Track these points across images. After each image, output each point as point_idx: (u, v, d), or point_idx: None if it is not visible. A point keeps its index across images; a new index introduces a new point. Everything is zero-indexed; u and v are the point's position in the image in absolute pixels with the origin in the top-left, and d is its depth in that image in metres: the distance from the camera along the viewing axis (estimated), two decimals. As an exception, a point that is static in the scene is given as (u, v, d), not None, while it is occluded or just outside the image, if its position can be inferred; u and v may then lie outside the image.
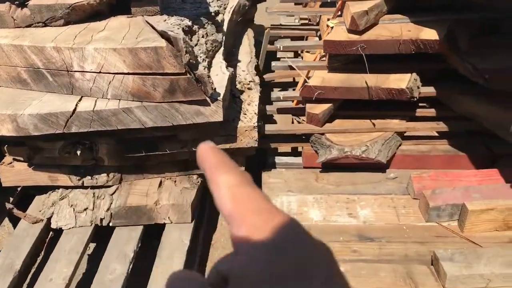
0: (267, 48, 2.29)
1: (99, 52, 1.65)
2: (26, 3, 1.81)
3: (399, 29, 1.98)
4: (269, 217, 0.33)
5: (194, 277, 0.35)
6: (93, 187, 2.09)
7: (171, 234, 1.94)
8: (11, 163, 2.03)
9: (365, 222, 1.88)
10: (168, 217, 1.97)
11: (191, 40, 1.89)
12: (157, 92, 1.68)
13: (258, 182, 2.16)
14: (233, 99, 2.12)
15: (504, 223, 1.74)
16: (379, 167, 2.11)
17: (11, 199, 2.15)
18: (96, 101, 1.74)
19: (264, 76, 2.48)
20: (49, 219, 2.03)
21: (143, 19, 1.84)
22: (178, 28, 1.77)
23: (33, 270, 1.89)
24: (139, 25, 1.80)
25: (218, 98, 1.72)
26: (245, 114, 2.01)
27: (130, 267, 1.82)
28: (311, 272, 0.29)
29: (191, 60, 1.63)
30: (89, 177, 2.05)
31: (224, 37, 2.24)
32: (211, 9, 2.29)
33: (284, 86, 2.61)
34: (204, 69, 1.83)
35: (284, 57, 2.69)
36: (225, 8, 2.48)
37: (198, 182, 2.09)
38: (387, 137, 2.10)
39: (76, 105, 1.72)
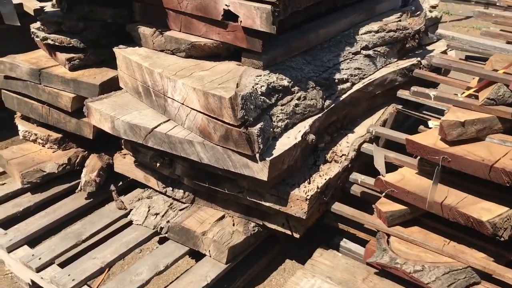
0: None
1: (185, 87, 1.88)
2: (164, 32, 2.16)
3: (501, 153, 1.67)
4: None
5: None
6: (173, 199, 2.34)
7: (203, 266, 2.05)
8: (125, 154, 2.43)
9: None
10: (209, 251, 2.09)
11: (279, 100, 1.96)
12: (215, 135, 1.83)
13: (309, 255, 2.10)
14: (311, 166, 2.11)
15: None
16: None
17: (120, 183, 2.57)
18: (175, 127, 1.97)
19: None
20: (131, 210, 2.37)
21: (243, 70, 2.00)
22: (262, 86, 1.87)
23: (90, 243, 2.23)
24: (235, 74, 1.97)
25: (267, 158, 1.76)
26: (309, 183, 1.98)
27: (153, 277, 2.00)
28: None
29: (245, 116, 1.72)
30: (171, 189, 2.31)
31: (338, 105, 2.23)
32: (338, 76, 2.29)
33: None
34: (277, 128, 1.90)
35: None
36: (361, 78, 2.44)
37: (254, 230, 2.14)
38: (455, 268, 1.79)
39: (159, 124, 1.99)
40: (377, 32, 2.59)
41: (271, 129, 1.86)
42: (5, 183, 2.55)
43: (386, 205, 1.94)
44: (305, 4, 2.14)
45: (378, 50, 2.60)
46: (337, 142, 2.28)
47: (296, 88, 2.05)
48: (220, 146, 1.84)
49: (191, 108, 1.90)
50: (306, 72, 2.16)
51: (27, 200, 2.43)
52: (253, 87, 1.82)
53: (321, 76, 2.21)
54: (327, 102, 2.18)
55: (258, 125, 1.76)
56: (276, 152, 1.81)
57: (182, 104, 1.93)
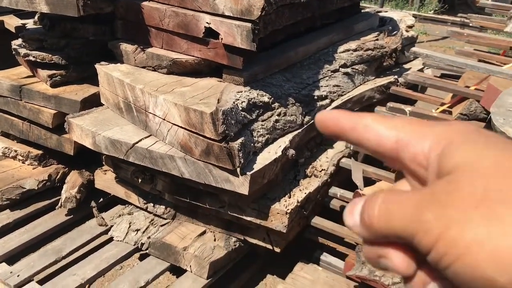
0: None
1: (166, 103, 1.90)
2: (145, 49, 2.19)
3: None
4: (452, 124, 0.32)
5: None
6: (154, 214, 2.34)
7: (184, 281, 2.05)
8: (106, 171, 2.43)
9: None
10: (190, 266, 2.09)
11: (260, 115, 2.00)
12: (197, 150, 1.85)
13: (290, 269, 2.12)
14: (291, 180, 2.14)
15: None
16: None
17: (101, 199, 2.57)
18: (156, 142, 1.99)
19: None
20: (112, 226, 2.36)
21: (225, 86, 2.04)
22: (242, 102, 1.91)
23: (70, 259, 2.21)
24: (216, 90, 2.00)
25: (248, 172, 1.79)
26: (289, 197, 2.01)
27: (134, 293, 2.00)
28: None
29: (226, 131, 1.75)
30: (152, 205, 2.32)
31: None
32: (318, 93, 2.35)
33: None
34: (258, 143, 1.93)
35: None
36: (340, 95, 2.50)
37: (235, 245, 2.15)
38: (432, 279, 1.83)
39: (140, 140, 2.00)
40: (355, 50, 2.66)
41: (252, 144, 1.89)
42: (-17, 201, 2.52)
43: (364, 219, 1.97)
44: (284, 23, 2.20)
45: (356, 68, 2.67)
46: (317, 157, 2.32)
47: (277, 104, 2.09)
48: (201, 161, 1.86)
49: (172, 123, 1.92)
50: (286, 89, 2.20)
51: (6, 217, 2.40)
52: (234, 102, 1.85)
53: (301, 92, 2.26)
54: (307, 118, 2.22)
55: (239, 140, 1.79)
56: (257, 166, 1.84)
57: (164, 119, 1.95)
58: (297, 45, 2.42)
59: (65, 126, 2.17)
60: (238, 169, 1.79)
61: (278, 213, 1.93)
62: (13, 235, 2.29)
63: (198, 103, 1.85)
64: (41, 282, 2.08)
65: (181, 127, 1.89)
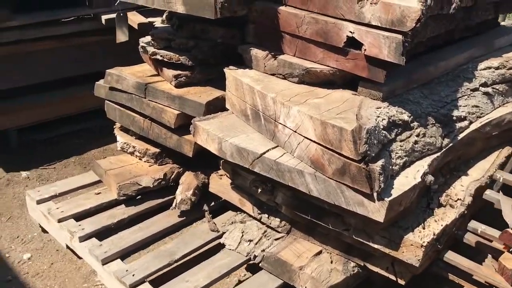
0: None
1: (300, 114, 1.80)
2: (277, 56, 2.10)
3: None
4: None
5: None
6: (268, 226, 2.26)
7: (299, 303, 1.94)
8: (221, 175, 2.38)
9: None
10: (306, 287, 1.97)
11: (398, 135, 1.84)
12: (330, 167, 1.72)
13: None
14: (425, 209, 1.95)
15: None
16: None
17: (212, 203, 2.53)
18: (284, 154, 1.89)
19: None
20: (223, 233, 2.30)
21: (361, 100, 1.89)
22: (383, 119, 1.76)
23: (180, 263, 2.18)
24: (352, 104, 1.86)
25: (386, 198, 1.64)
26: (424, 228, 1.82)
27: (246, 309, 1.92)
28: None
29: (368, 152, 1.61)
30: (267, 216, 2.23)
31: (455, 145, 2.07)
32: (456, 113, 2.13)
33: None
34: (395, 166, 1.77)
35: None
36: (478, 117, 2.26)
37: (353, 271, 2.01)
38: None
39: (267, 150, 1.91)
40: (497, 68, 2.41)
41: (390, 167, 1.73)
42: (100, 193, 2.58)
43: (509, 261, 1.75)
44: (428, 35, 2.04)
45: (497, 88, 2.41)
46: (451, 184, 2.11)
47: (416, 123, 1.92)
48: (334, 180, 1.73)
49: (304, 136, 1.81)
50: (425, 107, 2.02)
51: (121, 212, 2.43)
52: (375, 120, 1.71)
53: (439, 112, 2.07)
54: (446, 141, 2.02)
55: (380, 162, 1.64)
56: (395, 192, 1.68)
57: (295, 131, 1.84)
58: (438, 59, 2.22)
59: (190, 129, 2.13)
60: (375, 194, 1.64)
61: (411, 245, 1.76)
62: (128, 232, 2.31)
63: (335, 117, 1.73)
64: (154, 283, 2.06)
65: (314, 141, 1.77)
